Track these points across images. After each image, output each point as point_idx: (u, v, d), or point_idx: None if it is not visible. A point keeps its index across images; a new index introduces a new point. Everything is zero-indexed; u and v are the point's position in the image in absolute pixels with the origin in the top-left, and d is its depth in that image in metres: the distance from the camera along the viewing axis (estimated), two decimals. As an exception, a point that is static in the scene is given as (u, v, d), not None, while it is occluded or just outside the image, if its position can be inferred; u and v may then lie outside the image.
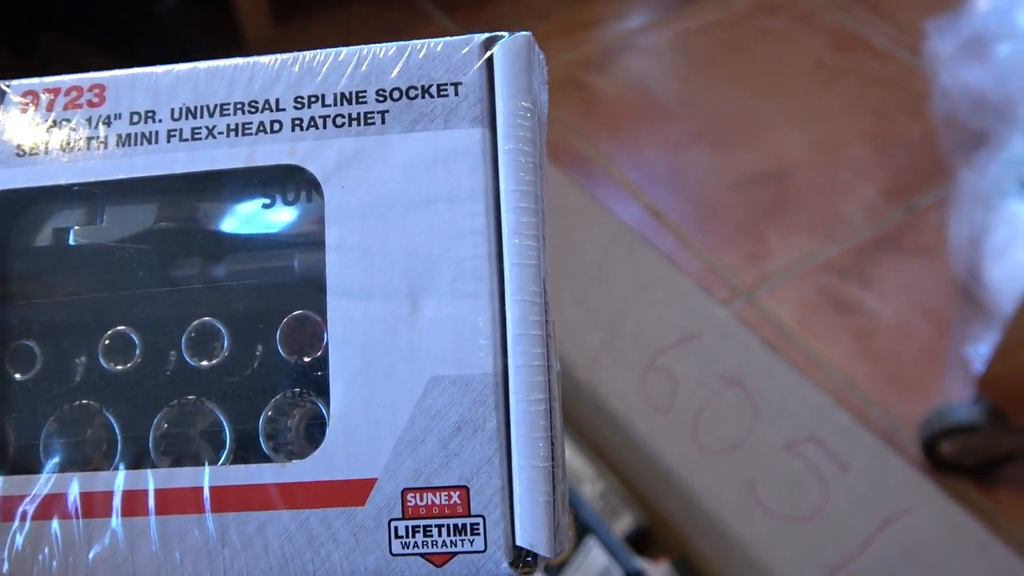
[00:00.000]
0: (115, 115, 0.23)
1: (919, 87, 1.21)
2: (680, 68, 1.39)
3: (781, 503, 0.79)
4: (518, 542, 0.20)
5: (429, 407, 0.20)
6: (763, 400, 0.86)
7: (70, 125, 0.23)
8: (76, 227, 0.24)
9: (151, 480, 0.21)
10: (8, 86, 0.23)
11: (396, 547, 0.20)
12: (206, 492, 0.21)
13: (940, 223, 1.05)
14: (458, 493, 0.20)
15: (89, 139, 0.22)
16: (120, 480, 0.21)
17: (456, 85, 0.22)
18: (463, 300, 0.20)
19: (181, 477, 0.21)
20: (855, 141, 1.20)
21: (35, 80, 0.23)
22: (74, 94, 0.23)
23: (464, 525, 0.20)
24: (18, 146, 0.22)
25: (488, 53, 0.22)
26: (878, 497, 0.81)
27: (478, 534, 0.20)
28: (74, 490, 0.21)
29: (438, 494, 0.20)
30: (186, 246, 0.24)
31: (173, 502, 0.21)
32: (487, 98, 0.21)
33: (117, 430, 0.23)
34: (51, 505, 0.21)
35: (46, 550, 0.20)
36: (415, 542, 0.20)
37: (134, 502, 0.21)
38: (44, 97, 0.23)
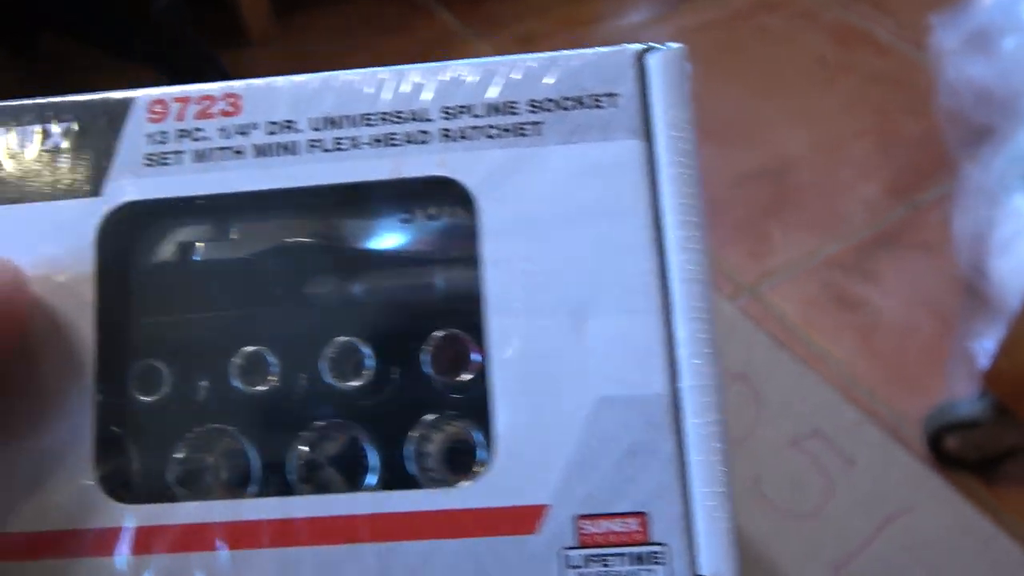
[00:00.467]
0: (251, 125, 0.22)
1: (922, 83, 1.21)
2: (682, 64, 1.39)
3: (785, 499, 0.79)
4: (702, 571, 0.18)
5: (600, 429, 0.19)
6: (767, 396, 0.85)
7: (203, 134, 0.22)
8: (202, 242, 0.23)
9: (301, 508, 0.20)
10: (135, 96, 0.22)
11: None
12: (363, 520, 0.19)
13: (944, 219, 1.05)
14: (636, 520, 0.19)
15: (224, 149, 0.22)
16: (267, 508, 0.20)
17: (613, 96, 0.21)
18: (630, 317, 0.19)
19: (335, 504, 0.19)
20: (857, 138, 1.20)
21: (162, 89, 0.22)
22: (206, 103, 0.22)
23: (645, 554, 0.18)
24: (147, 155, 0.22)
25: (643, 63, 0.21)
26: (882, 493, 0.80)
27: (661, 563, 0.18)
28: (216, 520, 0.19)
29: (615, 520, 0.19)
30: (319, 263, 0.23)
31: (327, 531, 0.19)
32: (643, 109, 0.21)
33: (252, 455, 0.22)
34: (191, 537, 0.19)
35: None
36: (592, 572, 0.18)
37: (284, 532, 0.19)
38: (174, 107, 0.22)
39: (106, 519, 0.19)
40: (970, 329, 0.92)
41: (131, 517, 0.19)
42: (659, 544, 0.18)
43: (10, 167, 0.21)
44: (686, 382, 0.19)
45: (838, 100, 1.26)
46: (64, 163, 0.21)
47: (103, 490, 0.20)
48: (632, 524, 0.19)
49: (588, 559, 0.18)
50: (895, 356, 0.95)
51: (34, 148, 0.21)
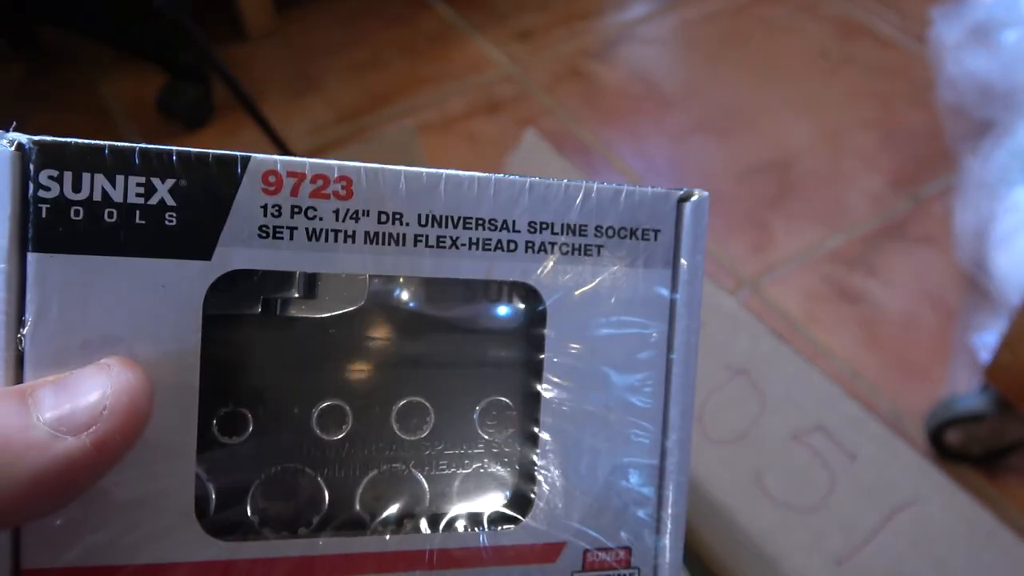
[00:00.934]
0: (363, 212, 0.24)
1: (924, 75, 1.21)
2: (682, 57, 1.39)
3: (788, 493, 0.79)
4: None
5: (611, 488, 0.26)
6: (769, 390, 0.85)
7: (317, 214, 0.23)
8: (288, 297, 0.25)
9: (367, 545, 0.24)
10: (248, 161, 0.22)
11: None
12: (429, 554, 0.24)
13: (945, 212, 1.05)
14: (624, 552, 0.26)
15: (336, 232, 0.23)
16: (349, 544, 0.24)
17: (656, 232, 0.27)
18: (640, 412, 0.26)
19: (409, 542, 0.24)
20: (859, 130, 1.20)
21: (275, 158, 0.23)
22: (320, 183, 0.23)
23: (626, 575, 0.26)
24: (261, 227, 0.23)
25: (680, 207, 0.27)
26: (885, 487, 0.81)
27: None
28: (301, 553, 0.23)
29: (610, 553, 0.26)
30: (390, 324, 0.27)
31: (391, 563, 0.24)
32: (675, 245, 0.27)
33: (325, 491, 0.26)
34: (278, 569, 0.23)
35: None
36: None
37: (353, 565, 0.24)
38: (288, 181, 0.23)
39: (203, 553, 0.22)
40: (972, 323, 0.92)
41: (224, 552, 0.22)
42: (635, 568, 0.26)
43: (111, 216, 0.21)
44: (671, 459, 0.26)
45: (840, 92, 1.26)
46: (171, 222, 0.22)
47: (203, 528, 0.22)
48: (621, 555, 0.26)
49: None
50: (897, 350, 0.95)
51: (139, 201, 0.22)
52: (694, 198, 0.27)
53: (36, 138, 0.21)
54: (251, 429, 0.25)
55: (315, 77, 1.31)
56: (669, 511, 0.26)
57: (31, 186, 0.21)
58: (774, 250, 1.05)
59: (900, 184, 1.12)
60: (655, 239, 0.26)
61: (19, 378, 0.21)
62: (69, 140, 0.21)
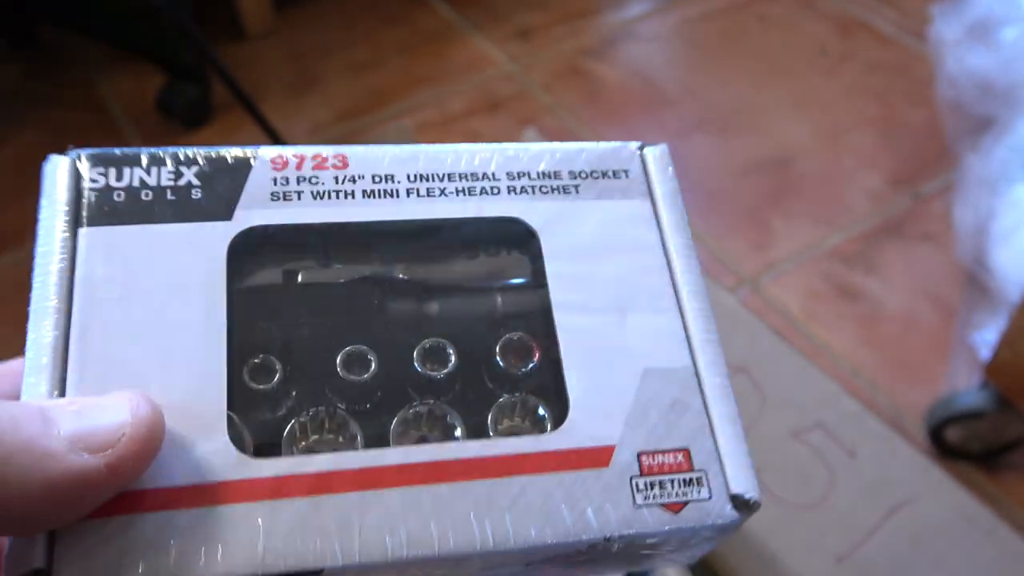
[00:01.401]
0: (359, 175, 0.27)
1: (923, 73, 1.20)
2: (681, 55, 1.39)
3: (788, 491, 0.79)
4: (733, 490, 0.24)
5: (648, 390, 0.25)
6: (769, 388, 0.85)
7: (319, 180, 0.27)
8: (304, 270, 0.28)
9: (418, 455, 0.24)
10: (256, 152, 0.27)
11: (639, 500, 0.24)
12: (472, 463, 0.24)
13: (945, 209, 1.05)
14: (682, 454, 0.24)
15: (337, 192, 0.27)
16: (388, 456, 0.24)
17: (626, 171, 0.29)
18: (659, 315, 0.26)
19: (448, 451, 0.24)
20: (859, 128, 1.20)
21: (280, 147, 0.27)
22: (319, 159, 0.27)
23: (691, 479, 0.24)
24: (272, 193, 0.27)
25: (642, 154, 0.30)
26: (885, 484, 0.81)
27: (703, 485, 0.24)
28: (346, 466, 0.23)
29: (667, 455, 0.24)
30: (402, 290, 0.29)
31: (442, 472, 0.23)
32: (646, 181, 0.29)
33: (358, 430, 0.26)
34: (323, 481, 0.23)
35: (322, 520, 0.22)
36: (654, 494, 0.24)
37: (405, 474, 0.23)
38: (292, 159, 0.27)
39: (247, 472, 0.23)
40: (972, 320, 0.92)
41: (269, 468, 0.23)
42: (700, 471, 0.24)
43: (147, 196, 0.26)
44: (702, 358, 0.26)
45: (840, 90, 1.26)
46: (197, 196, 0.26)
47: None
48: (679, 457, 0.24)
49: (650, 484, 0.24)
50: (897, 347, 0.95)
51: (170, 183, 0.26)
52: (654, 148, 0.30)
53: (87, 150, 0.26)
54: (278, 376, 0.26)
55: (314, 76, 1.31)
56: (716, 410, 0.25)
57: (82, 181, 0.26)
58: (774, 248, 1.05)
59: (900, 181, 1.12)
60: (626, 176, 0.29)
61: (67, 330, 0.24)
62: (115, 149, 0.26)
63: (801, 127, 1.20)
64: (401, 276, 0.29)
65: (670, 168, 0.29)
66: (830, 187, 1.13)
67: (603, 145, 0.29)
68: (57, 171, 0.25)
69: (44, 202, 0.25)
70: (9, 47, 1.36)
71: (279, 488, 0.22)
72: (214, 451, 0.22)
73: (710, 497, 0.24)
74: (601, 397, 0.25)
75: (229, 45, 1.34)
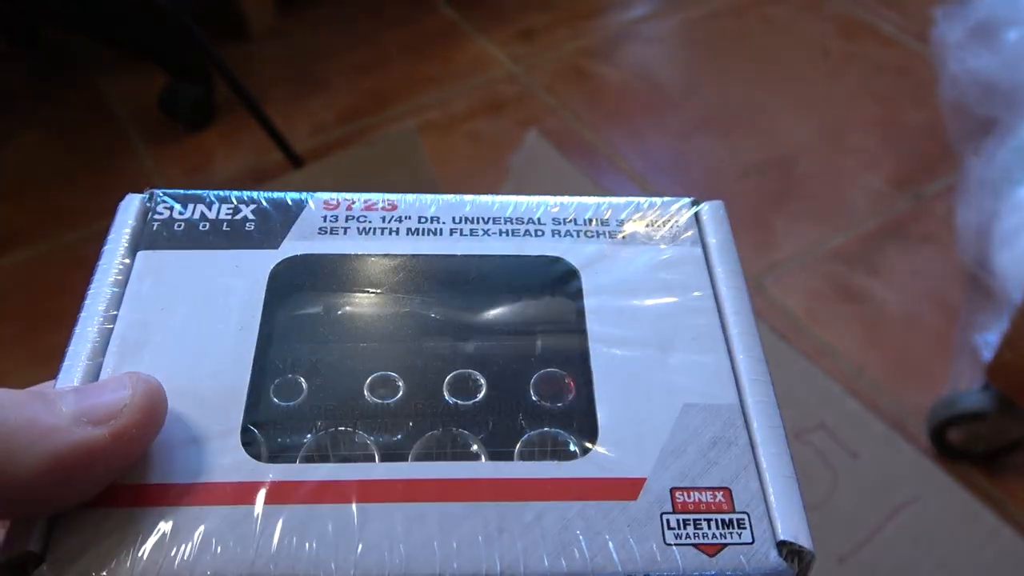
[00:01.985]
0: (405, 216, 0.29)
1: (926, 74, 1.21)
2: (684, 57, 1.39)
3: (790, 491, 0.79)
4: (781, 536, 0.22)
5: (687, 425, 0.23)
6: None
7: (367, 221, 0.28)
8: (346, 306, 0.29)
9: (429, 471, 0.23)
10: (312, 195, 0.29)
11: (669, 538, 0.22)
12: (485, 483, 0.22)
13: (948, 211, 1.05)
14: (722, 493, 0.22)
15: (383, 228, 0.28)
16: (397, 471, 0.23)
17: (676, 222, 0.28)
18: (703, 352, 0.25)
19: (461, 470, 0.23)
20: (862, 129, 1.20)
21: (335, 194, 0.29)
22: (370, 202, 0.29)
23: (731, 520, 0.22)
24: (321, 228, 0.28)
25: (697, 212, 0.29)
26: (887, 485, 0.81)
27: (744, 528, 0.22)
28: (351, 477, 0.22)
29: (704, 493, 0.22)
30: (439, 328, 0.29)
31: (452, 491, 0.22)
32: (698, 231, 0.28)
33: (376, 452, 0.25)
34: (327, 489, 0.22)
35: (320, 526, 0.21)
36: (687, 533, 0.22)
37: (412, 490, 0.22)
38: (344, 202, 0.29)
39: (247, 474, 0.22)
40: (974, 321, 0.92)
41: (271, 473, 0.22)
42: (742, 513, 0.22)
43: (207, 227, 0.28)
44: (751, 398, 0.24)
45: (843, 91, 1.26)
46: (250, 228, 0.28)
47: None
48: (719, 496, 0.22)
49: (683, 522, 0.22)
50: (899, 349, 0.95)
51: (227, 217, 0.28)
52: (707, 204, 0.29)
53: (165, 191, 0.29)
54: (304, 394, 0.26)
55: (317, 77, 1.31)
56: (764, 450, 0.23)
57: (150, 213, 0.28)
58: (776, 249, 1.05)
59: (902, 183, 1.12)
60: (677, 225, 0.28)
61: (108, 335, 0.25)
62: (185, 191, 0.29)
63: (804, 128, 1.21)
64: (437, 317, 0.29)
65: (726, 226, 0.28)
66: (832, 188, 1.13)
67: (652, 200, 0.29)
68: (131, 206, 0.28)
69: (113, 232, 0.27)
70: (11, 46, 1.37)
71: (281, 492, 0.22)
72: (223, 452, 0.23)
73: (752, 541, 0.21)
74: (634, 429, 0.23)
75: (232, 46, 1.34)
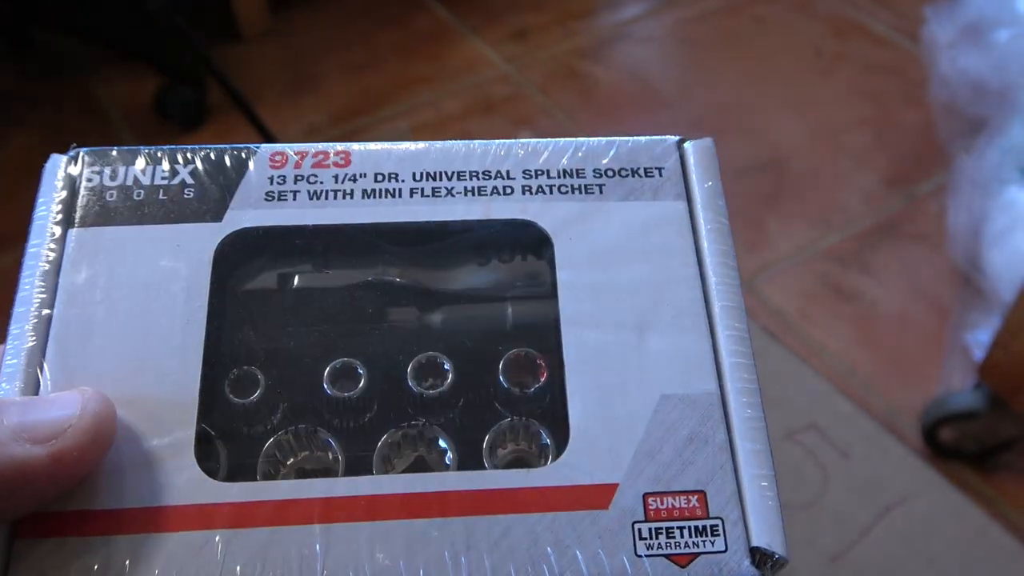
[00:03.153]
0: (360, 174, 0.26)
1: (918, 74, 1.21)
2: (676, 57, 1.39)
3: (781, 491, 0.79)
4: (754, 542, 0.21)
5: (663, 420, 0.22)
6: (763, 389, 0.86)
7: (318, 181, 0.25)
8: (300, 274, 0.26)
9: (393, 485, 0.21)
10: (258, 148, 0.26)
11: (641, 548, 0.21)
12: (452, 496, 0.21)
13: (939, 210, 1.05)
14: (696, 497, 0.21)
15: (336, 191, 0.25)
16: (360, 486, 0.21)
17: (660, 169, 0.26)
18: (683, 332, 0.23)
19: (425, 482, 0.22)
20: (854, 129, 1.20)
21: (283, 145, 0.26)
22: (321, 156, 0.26)
23: (704, 527, 0.21)
24: (267, 193, 0.25)
25: (682, 148, 0.26)
26: (878, 484, 0.81)
27: (718, 535, 0.21)
28: (313, 495, 0.21)
29: (678, 498, 0.21)
30: (404, 297, 0.26)
31: (418, 506, 0.21)
32: (683, 181, 0.26)
33: (339, 452, 0.24)
34: (288, 509, 0.21)
35: (284, 552, 0.20)
36: (659, 543, 0.21)
37: (377, 507, 0.21)
38: (293, 157, 0.26)
39: (206, 496, 0.21)
40: (966, 321, 0.92)
41: (229, 493, 0.21)
42: (716, 518, 0.21)
43: (141, 195, 0.25)
44: (731, 384, 0.23)
45: (835, 91, 1.26)
46: (189, 195, 0.25)
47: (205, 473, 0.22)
48: (692, 500, 0.21)
49: (655, 531, 0.21)
50: (891, 348, 0.95)
51: (163, 182, 0.25)
52: (696, 140, 0.26)
53: (87, 148, 0.26)
54: (260, 389, 0.24)
55: (310, 78, 1.31)
56: (743, 446, 0.22)
57: (78, 180, 0.25)
58: (768, 249, 1.05)
59: (894, 182, 1.12)
60: (660, 175, 0.26)
61: (46, 336, 0.23)
62: (112, 148, 0.26)
63: (796, 128, 1.21)
64: (400, 281, 0.27)
65: (715, 166, 0.26)
66: (825, 188, 1.13)
67: (636, 140, 0.26)
68: (57, 170, 0.25)
69: (40, 200, 0.25)
70: (5, 49, 1.36)
71: (240, 515, 0.21)
72: (177, 471, 0.21)
73: (725, 549, 0.21)
74: (607, 427, 0.22)
75: (225, 47, 1.34)
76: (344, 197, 0.25)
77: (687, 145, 0.26)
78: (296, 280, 0.27)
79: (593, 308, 0.24)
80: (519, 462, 0.24)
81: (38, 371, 0.22)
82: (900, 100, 1.23)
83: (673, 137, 0.26)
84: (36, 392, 0.22)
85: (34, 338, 0.23)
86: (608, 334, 0.23)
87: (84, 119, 1.24)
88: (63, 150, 0.26)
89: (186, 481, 0.21)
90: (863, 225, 1.08)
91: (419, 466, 0.24)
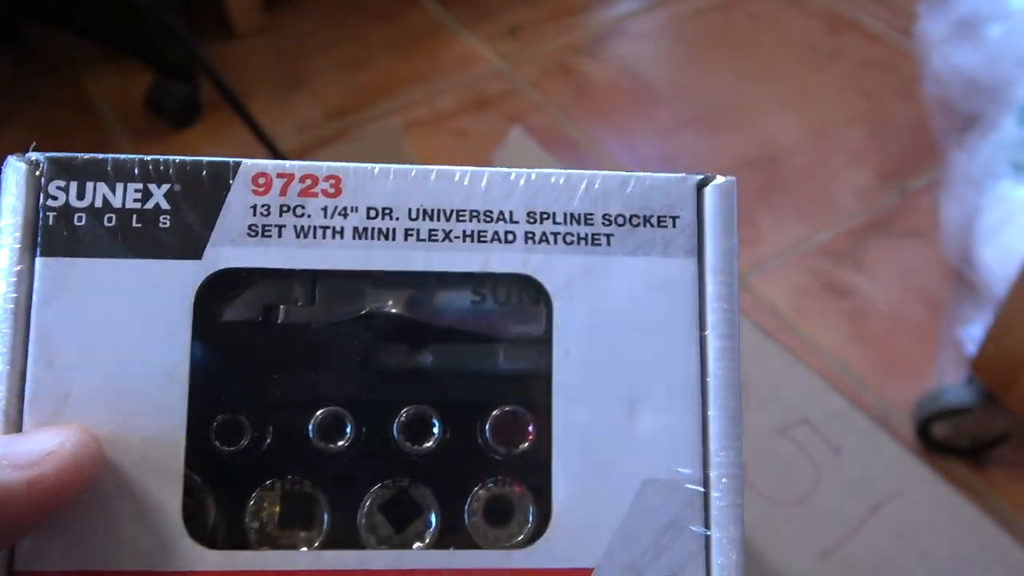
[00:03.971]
0: (351, 208, 0.24)
1: (911, 70, 1.21)
2: (670, 53, 1.39)
3: (773, 487, 0.80)
4: None
5: (643, 505, 0.22)
6: (755, 384, 0.86)
7: (305, 214, 0.23)
8: (286, 306, 0.25)
9: (376, 561, 0.22)
10: (239, 163, 0.24)
11: None
12: (432, 575, 0.22)
13: (932, 206, 1.05)
14: None
15: (325, 228, 0.23)
16: (345, 560, 0.22)
17: (674, 219, 0.24)
18: (674, 412, 0.23)
19: (411, 559, 0.22)
20: (847, 124, 1.20)
21: (266, 162, 0.24)
22: (308, 182, 0.24)
23: None
24: (250, 227, 0.23)
25: (701, 192, 0.25)
26: (870, 480, 0.81)
27: None
28: (299, 567, 0.21)
29: None
30: (393, 333, 0.25)
31: None
32: (697, 233, 0.24)
33: (326, 507, 0.24)
34: None
35: None
36: None
37: None
38: (277, 182, 0.24)
39: (193, 563, 0.21)
40: (958, 316, 0.92)
41: (216, 561, 0.21)
42: None
43: (113, 221, 0.23)
44: (715, 471, 0.23)
45: (828, 87, 1.26)
46: (165, 224, 0.23)
47: (188, 534, 0.21)
48: None
49: None
50: (884, 344, 0.96)
51: (136, 206, 0.23)
52: (717, 182, 0.25)
53: (49, 155, 0.23)
54: (246, 438, 0.24)
55: (303, 75, 1.31)
56: (718, 535, 0.22)
57: (42, 196, 0.23)
58: (762, 245, 1.05)
59: (887, 178, 1.12)
60: (673, 226, 0.24)
61: (21, 389, 0.22)
62: (76, 155, 0.23)
63: (789, 124, 1.21)
64: (389, 312, 0.26)
65: (733, 213, 0.25)
66: (818, 184, 1.13)
67: (653, 177, 0.24)
68: (16, 179, 0.23)
69: (1, 215, 0.23)
70: (-3, 45, 1.36)
71: None
72: (162, 532, 0.21)
73: None
74: (589, 509, 0.22)
75: (217, 44, 1.33)
76: (333, 236, 0.23)
77: (707, 190, 0.25)
78: (279, 328, 0.25)
79: (586, 380, 0.23)
80: (498, 502, 0.24)
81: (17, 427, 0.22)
82: (893, 96, 1.22)
83: (694, 176, 0.25)
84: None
85: (5, 394, 0.22)
86: (599, 410, 0.23)
87: (75, 116, 1.24)
88: (53, 148, 0.24)
89: (171, 546, 0.21)
90: (856, 221, 1.08)
91: (403, 522, 0.24)
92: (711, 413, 0.23)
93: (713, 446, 0.23)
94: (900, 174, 1.12)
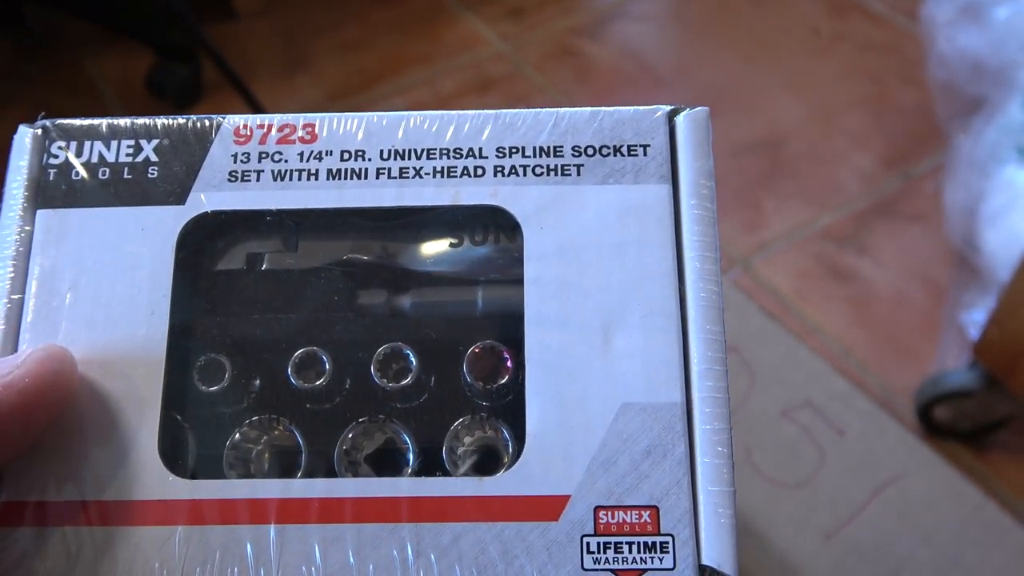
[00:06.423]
0: (326, 152, 0.25)
1: (915, 53, 1.20)
2: (673, 35, 1.38)
3: (777, 469, 0.80)
4: (704, 561, 0.20)
5: (621, 431, 0.21)
6: (759, 367, 0.86)
7: (283, 159, 0.25)
8: (270, 253, 0.26)
9: (347, 489, 0.22)
10: (223, 119, 0.25)
11: (588, 562, 0.21)
12: (404, 502, 0.21)
13: (936, 190, 1.05)
14: (648, 512, 0.21)
15: (300, 171, 0.24)
16: (315, 488, 0.22)
17: (645, 147, 0.24)
18: (652, 335, 0.22)
19: (378, 487, 0.22)
20: (851, 108, 1.20)
21: (248, 116, 0.25)
22: (287, 131, 0.25)
23: (654, 543, 0.21)
24: (231, 172, 0.25)
25: (673, 121, 0.24)
26: (873, 462, 0.81)
27: (667, 552, 0.21)
28: (269, 495, 0.22)
29: (629, 512, 0.21)
30: (373, 278, 0.26)
31: (369, 511, 0.21)
32: (670, 159, 0.24)
33: (302, 444, 0.24)
34: (244, 509, 0.21)
35: (239, 552, 0.21)
36: (606, 558, 0.21)
37: (330, 510, 0.21)
38: (257, 132, 0.25)
39: (168, 492, 0.22)
40: (961, 300, 0.92)
41: (190, 490, 0.22)
42: (667, 535, 0.21)
43: (107, 174, 0.25)
44: (698, 393, 0.22)
45: (832, 70, 1.26)
46: (153, 175, 0.25)
47: (166, 466, 0.22)
48: (644, 516, 0.21)
49: (603, 546, 0.21)
50: (887, 327, 0.96)
51: (128, 160, 0.25)
52: (690, 111, 0.24)
53: (54, 120, 0.25)
54: (227, 378, 0.25)
55: (305, 56, 1.30)
56: (703, 461, 0.21)
57: (45, 156, 0.25)
58: (765, 229, 1.05)
59: (891, 162, 1.12)
60: (644, 154, 0.24)
61: (18, 324, 0.23)
62: (76, 120, 0.25)
63: (793, 107, 1.20)
64: (369, 259, 0.26)
65: (708, 141, 0.24)
66: (822, 167, 1.12)
67: (622, 110, 0.25)
68: (24, 144, 0.25)
69: (9, 180, 0.25)
70: (-4, 26, 1.35)
71: (197, 513, 0.21)
72: (142, 464, 0.22)
73: (673, 567, 0.21)
74: (564, 436, 0.21)
75: (219, 25, 1.33)
76: (309, 178, 0.24)
77: (679, 118, 0.24)
78: (259, 270, 0.26)
79: (559, 307, 0.23)
80: (485, 450, 0.24)
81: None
82: (898, 79, 1.22)
83: (665, 107, 0.25)
84: None
85: (3, 326, 0.23)
86: (572, 335, 0.22)
87: (76, 97, 1.24)
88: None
89: (150, 476, 0.22)
90: (860, 205, 1.08)
91: (380, 460, 0.24)
92: (693, 336, 0.22)
93: (696, 369, 0.22)
94: (904, 158, 1.12)
